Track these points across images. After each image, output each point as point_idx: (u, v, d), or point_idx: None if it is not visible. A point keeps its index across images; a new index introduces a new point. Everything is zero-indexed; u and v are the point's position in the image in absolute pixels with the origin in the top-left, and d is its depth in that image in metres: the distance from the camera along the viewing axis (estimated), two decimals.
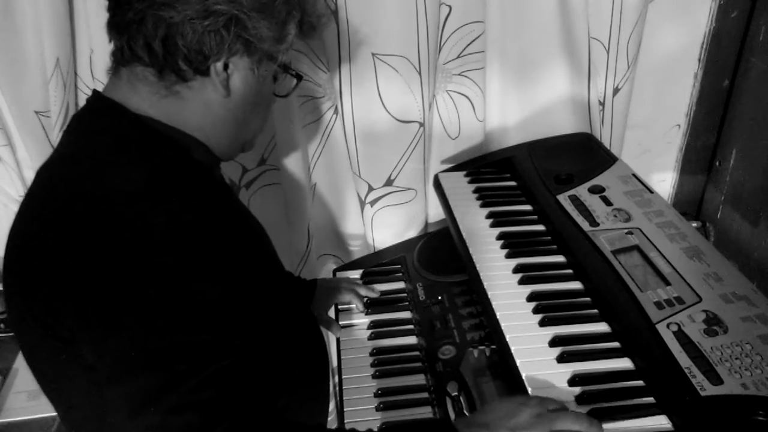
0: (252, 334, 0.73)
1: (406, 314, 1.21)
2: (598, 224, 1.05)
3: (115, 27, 0.73)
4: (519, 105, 1.37)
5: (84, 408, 0.72)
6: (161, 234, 0.67)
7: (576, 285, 0.99)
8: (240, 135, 0.84)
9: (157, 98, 0.74)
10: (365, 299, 1.23)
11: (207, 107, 0.77)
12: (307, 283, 1.21)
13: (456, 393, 1.02)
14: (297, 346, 0.88)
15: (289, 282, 0.92)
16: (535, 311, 0.94)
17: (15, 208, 0.81)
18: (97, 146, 0.74)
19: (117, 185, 0.69)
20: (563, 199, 1.13)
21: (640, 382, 0.83)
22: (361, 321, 1.21)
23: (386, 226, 1.44)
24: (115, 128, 0.75)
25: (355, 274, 1.34)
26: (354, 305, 1.22)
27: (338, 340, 1.18)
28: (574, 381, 0.83)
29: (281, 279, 0.89)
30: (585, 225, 1.05)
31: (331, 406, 1.70)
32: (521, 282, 1.00)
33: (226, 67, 0.74)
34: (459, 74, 1.31)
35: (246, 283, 0.75)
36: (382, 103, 1.27)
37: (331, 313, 1.25)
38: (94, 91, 0.79)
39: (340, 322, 1.21)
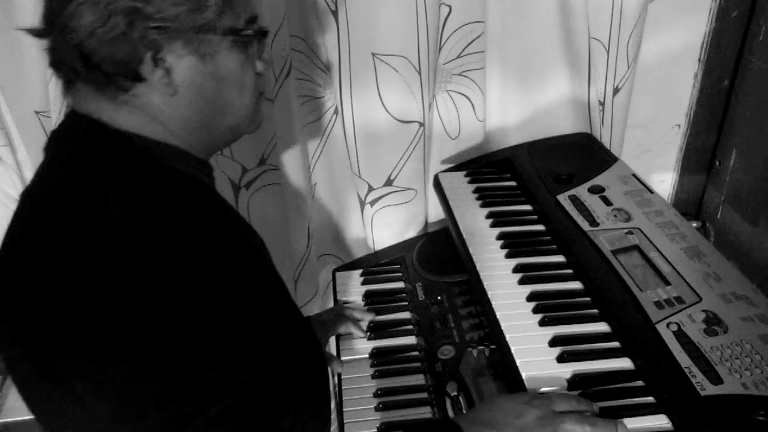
0: (258, 363, 0.69)
1: (405, 314, 1.21)
2: (598, 224, 1.05)
3: (51, 63, 0.69)
4: (519, 105, 1.37)
5: None
6: (157, 269, 0.62)
7: (576, 285, 0.99)
8: (224, 122, 0.76)
9: (117, 109, 0.70)
10: (368, 322, 1.19)
11: (169, 109, 0.70)
12: None
13: (455, 393, 1.02)
14: (301, 364, 0.84)
15: (288, 296, 0.88)
16: (535, 311, 0.94)
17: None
18: (82, 172, 0.68)
19: (107, 217, 0.64)
20: (563, 199, 1.13)
21: (640, 382, 0.83)
22: (361, 323, 1.20)
23: (386, 226, 1.44)
24: (97, 150, 0.69)
25: (355, 274, 1.34)
26: (354, 332, 1.17)
27: (338, 340, 1.18)
28: (574, 381, 0.83)
29: (281, 295, 0.84)
30: (585, 225, 1.05)
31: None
32: (521, 282, 1.00)
33: (156, 63, 0.67)
34: (459, 74, 1.31)
35: (248, 310, 0.70)
36: (382, 103, 1.27)
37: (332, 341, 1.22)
38: (72, 108, 0.73)
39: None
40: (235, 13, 0.71)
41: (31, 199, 0.71)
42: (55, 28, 0.66)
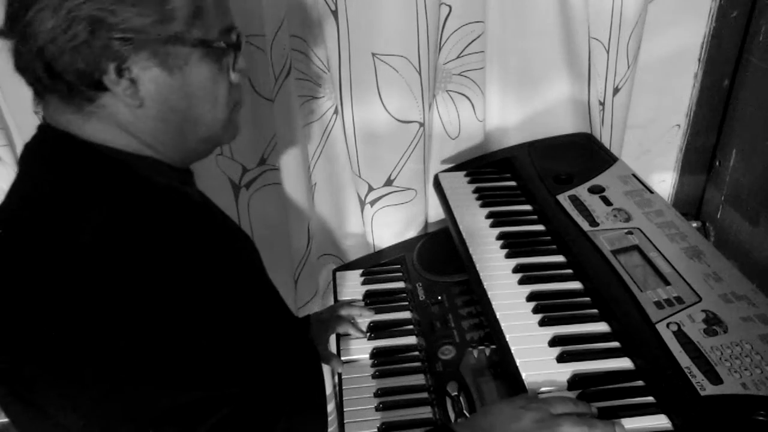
0: (245, 376, 0.67)
1: (405, 314, 1.21)
2: (597, 224, 1.05)
3: (16, 67, 0.67)
4: (519, 105, 1.37)
5: None
6: (134, 288, 0.60)
7: (576, 285, 0.99)
8: (196, 134, 0.74)
9: (86, 120, 0.68)
10: (367, 321, 1.19)
11: (137, 121, 0.68)
12: (301, 321, 1.16)
13: (456, 393, 1.02)
14: (293, 371, 0.83)
15: (281, 302, 0.87)
16: (535, 311, 0.94)
17: None
18: (51, 187, 0.67)
19: (75, 236, 0.62)
20: (563, 199, 1.13)
21: (640, 382, 0.83)
22: (361, 321, 1.21)
23: (386, 226, 1.44)
24: (67, 164, 0.68)
25: (356, 274, 1.34)
26: (351, 333, 1.17)
27: (338, 340, 1.18)
28: (574, 381, 0.83)
29: (271, 301, 0.83)
30: (585, 225, 1.05)
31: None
32: (521, 282, 1.00)
33: (120, 74, 0.64)
34: (459, 74, 1.31)
35: (231, 324, 0.68)
36: (382, 103, 1.27)
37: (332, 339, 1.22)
38: (43, 120, 0.71)
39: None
40: (206, 24, 0.68)
41: (2, 216, 0.69)
42: (15, 32, 0.64)
